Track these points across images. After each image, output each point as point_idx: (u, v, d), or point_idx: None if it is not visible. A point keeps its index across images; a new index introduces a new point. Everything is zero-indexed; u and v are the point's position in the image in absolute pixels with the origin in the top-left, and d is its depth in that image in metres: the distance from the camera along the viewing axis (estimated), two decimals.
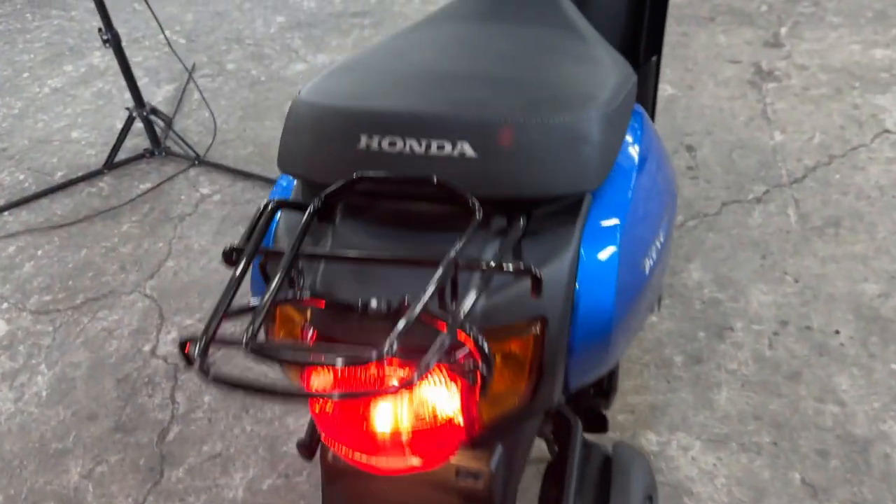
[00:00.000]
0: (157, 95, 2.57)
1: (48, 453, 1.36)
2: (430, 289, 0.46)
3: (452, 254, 0.48)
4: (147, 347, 1.55)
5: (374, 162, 0.58)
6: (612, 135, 0.61)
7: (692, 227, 1.70)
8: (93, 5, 1.94)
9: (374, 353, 0.41)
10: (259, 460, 1.30)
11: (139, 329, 1.60)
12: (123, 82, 2.08)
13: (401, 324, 0.43)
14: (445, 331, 0.45)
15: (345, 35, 2.87)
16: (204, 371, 0.42)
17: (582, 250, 0.60)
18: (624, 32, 1.25)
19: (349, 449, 0.55)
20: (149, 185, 2.08)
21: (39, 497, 1.28)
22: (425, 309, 0.45)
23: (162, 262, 1.79)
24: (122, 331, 1.60)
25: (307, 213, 0.54)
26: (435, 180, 0.53)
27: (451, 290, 0.50)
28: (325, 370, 0.54)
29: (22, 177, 2.21)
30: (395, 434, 0.53)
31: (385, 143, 0.57)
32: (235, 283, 0.49)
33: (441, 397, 0.53)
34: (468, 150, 0.56)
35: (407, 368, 0.49)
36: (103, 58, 2.89)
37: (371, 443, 0.54)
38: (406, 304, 0.49)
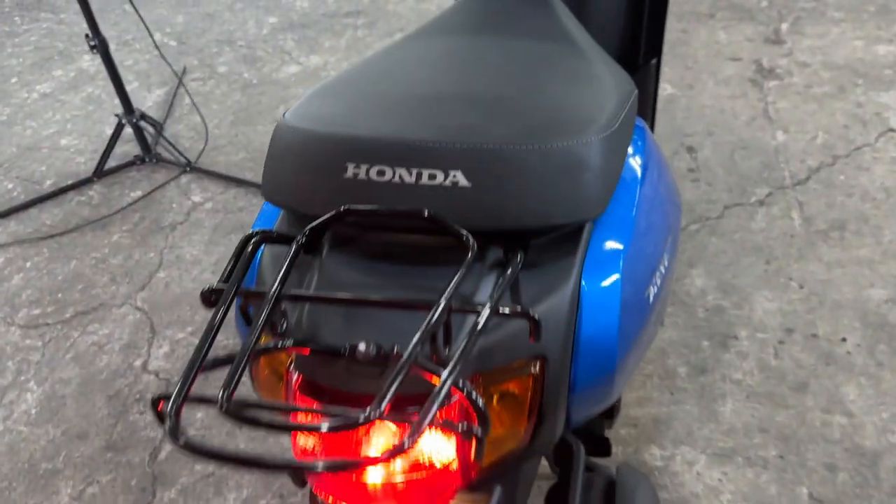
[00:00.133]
0: (148, 100, 2.53)
1: (38, 474, 1.33)
2: (421, 337, 0.42)
3: (444, 299, 0.44)
4: (138, 362, 1.52)
5: (361, 192, 0.54)
6: (614, 159, 0.58)
7: (694, 232, 1.67)
8: None
9: (361, 417, 0.38)
10: (253, 480, 1.27)
11: (130, 343, 1.57)
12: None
13: (389, 381, 0.39)
14: (438, 383, 0.42)
15: (338, 36, 2.83)
16: (175, 436, 0.39)
17: (583, 281, 0.56)
18: (622, 35, 1.22)
19: (338, 501, 0.52)
20: (139, 193, 2.04)
21: None
22: (416, 360, 0.42)
23: (153, 273, 1.75)
24: (112, 345, 1.57)
25: (291, 250, 0.50)
26: (426, 214, 0.50)
27: (444, 334, 0.47)
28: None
29: (10, 185, 2.17)
30: (388, 485, 0.50)
31: (373, 173, 0.54)
32: (213, 331, 0.46)
33: (436, 447, 0.50)
34: (461, 180, 0.53)
35: (397, 428, 0.46)
36: (93, 61, 2.84)
37: (362, 494, 0.51)
38: (396, 351, 0.45)
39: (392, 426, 0.48)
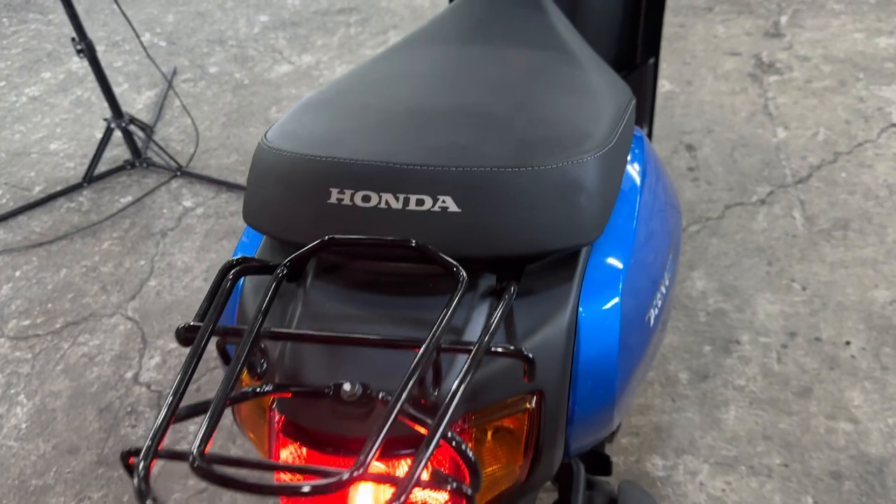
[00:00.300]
0: (138, 102, 2.49)
1: (28, 490, 1.30)
2: (408, 383, 0.39)
3: (432, 339, 0.41)
4: (129, 374, 1.49)
5: (346, 218, 0.51)
6: (611, 177, 0.54)
7: (695, 233, 1.64)
8: None
9: (344, 475, 0.35)
10: (248, 496, 1.24)
11: (121, 354, 1.54)
12: None
13: (372, 436, 0.37)
14: (427, 433, 0.39)
15: (331, 34, 2.79)
16: (142, 496, 0.36)
17: (580, 308, 0.53)
18: (619, 34, 1.18)
19: None
20: (130, 199, 2.01)
21: None
22: (402, 409, 0.39)
23: (144, 281, 1.72)
24: (103, 356, 1.54)
25: (272, 285, 0.47)
26: (414, 244, 0.47)
27: (433, 374, 0.44)
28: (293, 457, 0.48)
29: None
30: None
31: (358, 198, 0.51)
32: (188, 374, 0.43)
33: (427, 494, 0.47)
34: (451, 205, 0.50)
35: (384, 485, 0.43)
36: (82, 63, 2.80)
37: None
38: (381, 397, 0.43)
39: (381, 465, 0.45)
